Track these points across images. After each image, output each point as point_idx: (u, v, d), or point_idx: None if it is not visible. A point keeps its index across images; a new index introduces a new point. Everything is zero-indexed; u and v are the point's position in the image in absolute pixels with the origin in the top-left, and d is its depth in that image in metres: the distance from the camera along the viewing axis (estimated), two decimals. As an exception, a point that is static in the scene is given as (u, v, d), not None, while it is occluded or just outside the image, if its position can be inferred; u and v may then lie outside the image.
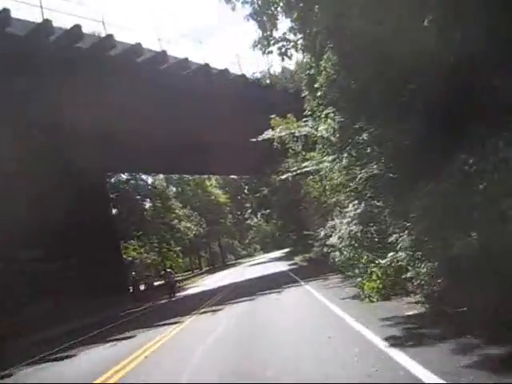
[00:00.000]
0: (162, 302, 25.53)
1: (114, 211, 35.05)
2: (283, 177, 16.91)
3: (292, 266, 32.67)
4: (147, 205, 44.07)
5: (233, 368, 6.34)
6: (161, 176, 74.42)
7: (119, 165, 31.27)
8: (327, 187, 16.05)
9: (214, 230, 74.78)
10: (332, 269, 17.32)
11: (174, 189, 76.23)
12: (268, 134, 15.66)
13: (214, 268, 73.10)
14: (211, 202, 74.42)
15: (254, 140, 15.75)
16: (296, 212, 50.16)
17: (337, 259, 14.04)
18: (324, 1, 8.39)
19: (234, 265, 77.11)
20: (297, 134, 15.94)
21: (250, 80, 28.12)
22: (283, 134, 15.56)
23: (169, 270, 28.43)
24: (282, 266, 34.07)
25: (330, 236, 15.33)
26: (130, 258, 41.57)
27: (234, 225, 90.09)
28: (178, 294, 28.86)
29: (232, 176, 72.66)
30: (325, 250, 17.10)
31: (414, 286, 8.32)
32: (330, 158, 13.56)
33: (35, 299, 19.74)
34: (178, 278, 46.30)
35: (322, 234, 15.45)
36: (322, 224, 18.37)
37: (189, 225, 38.57)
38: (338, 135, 12.35)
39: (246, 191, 70.38)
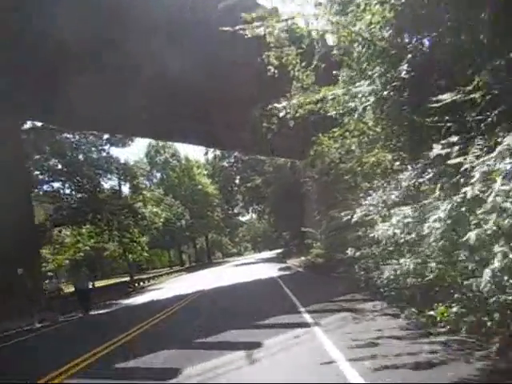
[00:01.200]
0: (64, 319, 17.14)
1: (57, 185, 27.29)
2: (283, 113, 9.22)
3: (284, 272, 24.99)
4: (108, 183, 36.29)
5: None
6: (143, 157, 67.11)
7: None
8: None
9: (199, 224, 66.86)
10: (354, 286, 9.76)
11: (159, 174, 68.39)
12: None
13: (197, 265, 65.19)
14: (198, 191, 66.51)
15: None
16: (292, 205, 42.92)
17: (388, 273, 6.39)
18: None
19: (220, 263, 69.33)
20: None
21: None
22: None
23: (83, 270, 19.77)
24: (272, 271, 26.44)
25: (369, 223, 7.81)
26: (87, 248, 33.76)
27: (223, 220, 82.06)
28: (125, 301, 21.14)
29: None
30: (349, 252, 9.36)
31: None
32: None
33: None
34: (146, 275, 38.76)
35: (358, 215, 7.73)
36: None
37: (155, 210, 30.53)
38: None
39: (237, 181, 62.45)
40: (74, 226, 29.04)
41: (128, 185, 34.13)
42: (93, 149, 29.06)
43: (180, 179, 66.26)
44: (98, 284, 23.34)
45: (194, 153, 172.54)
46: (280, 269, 28.78)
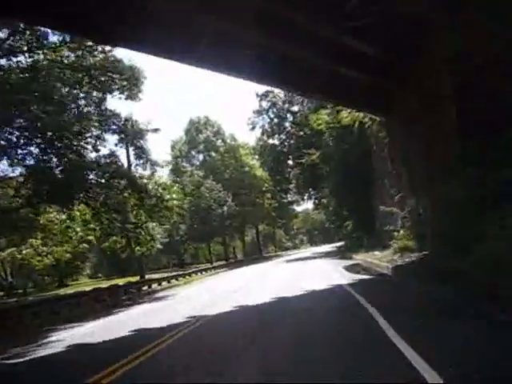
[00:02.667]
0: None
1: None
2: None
3: (358, 276, 15.51)
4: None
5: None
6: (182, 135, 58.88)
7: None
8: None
9: (248, 213, 57.96)
10: None
11: (201, 156, 60.07)
12: None
13: (245, 260, 56.47)
14: (245, 175, 57.57)
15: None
16: (359, 185, 32.87)
17: None
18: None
19: (271, 257, 60.29)
20: None
21: None
22: None
23: None
24: (337, 273, 17.10)
25: None
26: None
27: (276, 209, 72.51)
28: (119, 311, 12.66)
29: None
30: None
31: None
32: None
33: None
34: (166, 274, 30.24)
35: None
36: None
37: (161, 190, 21.00)
38: None
39: (289, 162, 52.66)
40: (59, 206, 20.77)
41: (132, 150, 25.61)
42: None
43: (224, 161, 57.63)
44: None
45: (240, 132, 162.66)
46: (348, 268, 19.22)
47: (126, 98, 22.28)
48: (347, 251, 34.31)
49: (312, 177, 45.60)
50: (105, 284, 23.29)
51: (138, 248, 24.79)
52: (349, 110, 26.39)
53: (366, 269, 18.17)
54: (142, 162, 26.04)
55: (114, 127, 21.30)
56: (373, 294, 9.94)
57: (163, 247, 37.54)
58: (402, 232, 21.19)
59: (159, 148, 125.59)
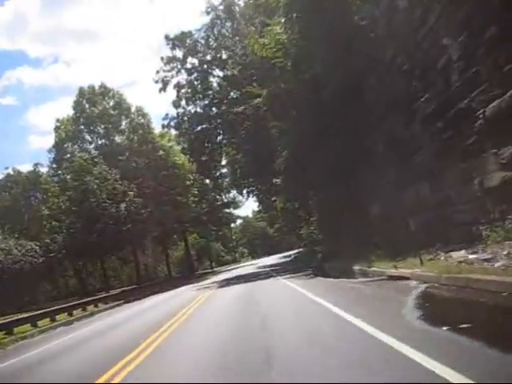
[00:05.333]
0: None
1: None
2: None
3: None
4: None
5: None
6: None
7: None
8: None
9: (168, 216, 41.51)
10: None
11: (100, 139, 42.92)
12: None
13: (162, 283, 39.81)
14: (160, 161, 41.20)
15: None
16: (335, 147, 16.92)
17: None
18: None
19: (204, 276, 44.36)
20: None
21: None
22: None
23: None
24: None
25: None
26: None
27: (207, 213, 56.34)
28: None
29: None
30: None
31: None
32: None
33: None
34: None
35: None
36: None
37: None
38: None
39: (219, 138, 36.39)
40: None
41: None
42: None
43: (130, 141, 40.99)
44: None
45: (150, 104, 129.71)
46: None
47: None
48: (321, 263, 19.41)
49: (256, 153, 30.18)
50: None
51: None
52: None
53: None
54: None
55: None
56: None
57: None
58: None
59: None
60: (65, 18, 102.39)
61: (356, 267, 12.09)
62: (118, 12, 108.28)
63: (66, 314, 20.66)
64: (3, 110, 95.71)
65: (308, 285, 12.36)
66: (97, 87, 41.51)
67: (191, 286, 27.56)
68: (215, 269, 67.09)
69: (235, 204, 63.27)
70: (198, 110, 34.93)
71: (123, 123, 41.66)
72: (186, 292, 21.89)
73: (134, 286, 36.26)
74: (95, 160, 33.41)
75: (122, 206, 31.17)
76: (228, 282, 23.01)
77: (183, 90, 34.69)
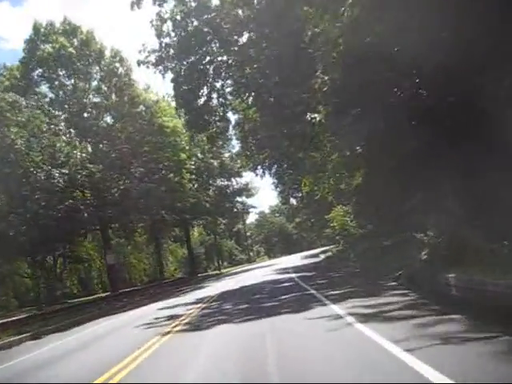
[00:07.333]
0: None
1: None
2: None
3: None
4: None
5: None
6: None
7: None
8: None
9: (159, 198, 30.11)
10: None
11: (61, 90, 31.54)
12: None
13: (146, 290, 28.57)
14: (142, 122, 29.80)
15: None
16: None
17: None
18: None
19: (206, 281, 33.20)
20: None
21: None
22: None
23: None
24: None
25: None
26: None
27: (213, 203, 44.81)
28: None
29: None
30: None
31: None
32: None
33: None
34: None
35: None
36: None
37: None
38: None
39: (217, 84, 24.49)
40: None
41: None
42: None
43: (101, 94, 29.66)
44: None
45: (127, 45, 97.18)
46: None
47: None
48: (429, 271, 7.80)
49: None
50: None
51: None
52: None
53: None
54: None
55: None
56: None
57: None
58: None
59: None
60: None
61: None
62: None
63: None
64: None
65: None
66: (58, 24, 30.33)
67: (161, 303, 16.18)
68: (223, 270, 55.48)
69: (248, 192, 51.70)
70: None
71: (93, 71, 30.27)
72: (106, 338, 10.40)
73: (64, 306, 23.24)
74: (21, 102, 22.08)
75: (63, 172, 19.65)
76: (219, 307, 11.45)
77: (168, 7, 22.97)
